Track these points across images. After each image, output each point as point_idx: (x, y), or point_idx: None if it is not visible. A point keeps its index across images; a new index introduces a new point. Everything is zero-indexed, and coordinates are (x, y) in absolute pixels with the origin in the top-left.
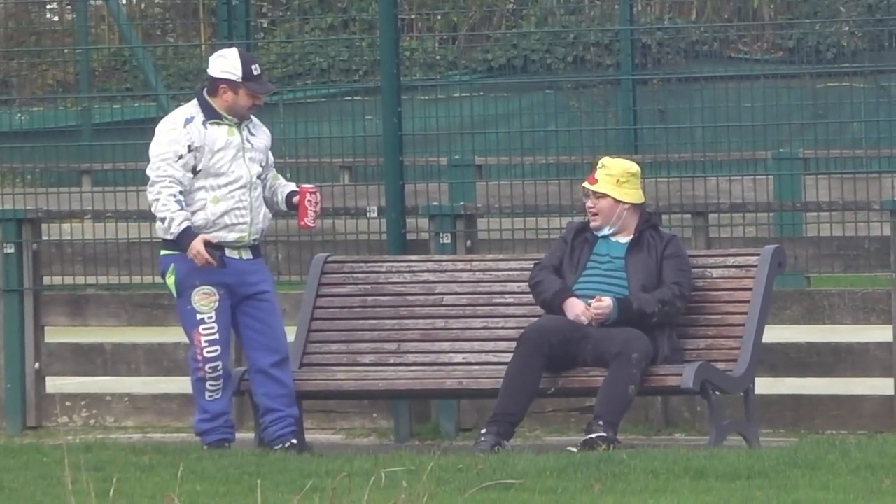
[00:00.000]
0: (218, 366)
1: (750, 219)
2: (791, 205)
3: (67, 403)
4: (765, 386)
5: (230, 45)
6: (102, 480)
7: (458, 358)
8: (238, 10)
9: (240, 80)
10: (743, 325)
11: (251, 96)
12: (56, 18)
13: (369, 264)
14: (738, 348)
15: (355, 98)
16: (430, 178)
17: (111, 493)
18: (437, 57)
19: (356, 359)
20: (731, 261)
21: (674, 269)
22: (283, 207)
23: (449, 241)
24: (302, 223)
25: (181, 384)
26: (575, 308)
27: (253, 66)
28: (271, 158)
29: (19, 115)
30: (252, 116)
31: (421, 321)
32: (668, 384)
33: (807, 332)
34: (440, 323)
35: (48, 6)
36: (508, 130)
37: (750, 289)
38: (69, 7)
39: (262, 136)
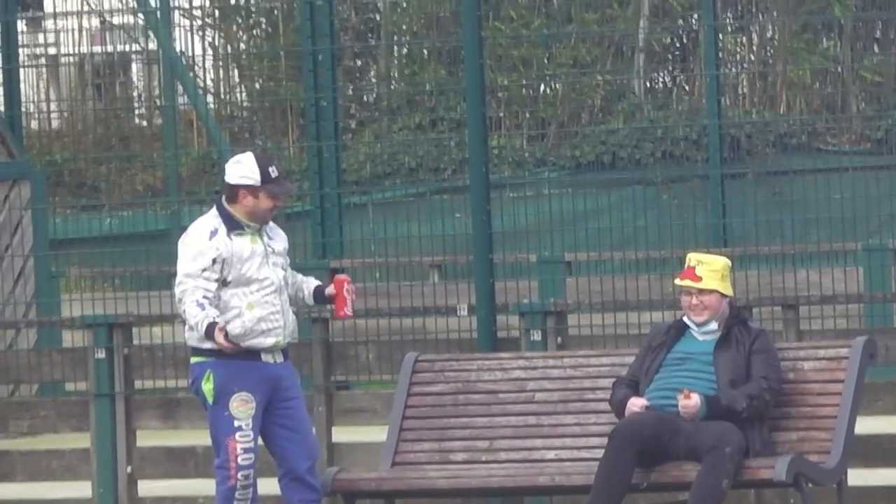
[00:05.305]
0: (250, 474)
1: (840, 310)
2: (881, 296)
3: None
4: (858, 477)
5: (318, 147)
6: None
7: (551, 454)
8: (326, 110)
9: (259, 184)
10: (835, 416)
11: (271, 198)
12: (144, 123)
13: (460, 362)
14: (830, 440)
15: (444, 196)
16: (520, 274)
17: None
18: (526, 154)
19: (448, 457)
20: (822, 353)
21: (762, 364)
22: (311, 302)
23: (539, 337)
24: (341, 313)
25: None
26: (633, 405)
27: (270, 168)
28: (288, 259)
29: (108, 219)
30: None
31: (513, 418)
32: (761, 476)
33: None
34: (532, 420)
35: (136, 111)
36: (598, 226)
37: (841, 380)
38: (157, 111)
39: (279, 239)
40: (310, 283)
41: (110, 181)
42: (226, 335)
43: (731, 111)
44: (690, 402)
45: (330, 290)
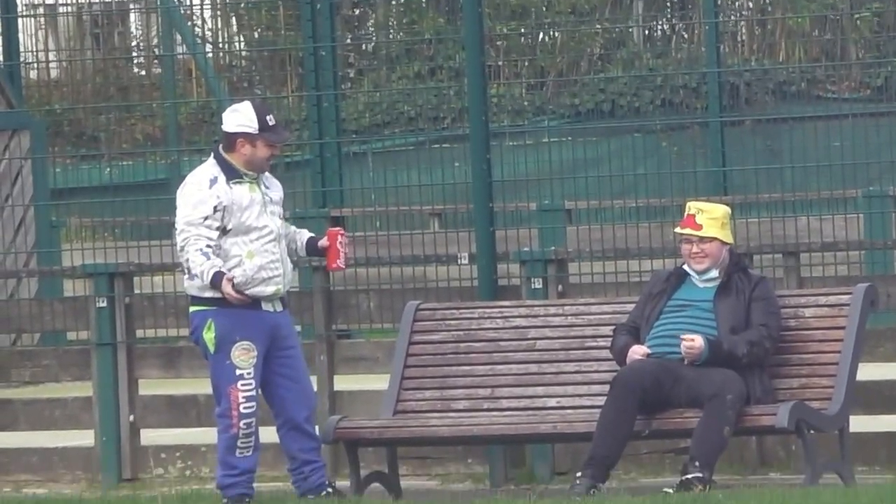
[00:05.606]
0: (252, 422)
1: (841, 258)
2: (882, 243)
3: (162, 455)
4: (859, 424)
5: (318, 96)
6: None
7: (552, 402)
8: (325, 60)
9: (256, 132)
10: (836, 363)
11: (269, 146)
12: (143, 73)
13: (461, 311)
14: (831, 387)
15: (444, 145)
16: (520, 223)
17: None
18: (525, 103)
19: (450, 405)
20: (823, 300)
21: (762, 312)
22: (303, 254)
23: (540, 286)
24: (333, 265)
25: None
26: (634, 353)
27: (268, 117)
28: (283, 209)
29: (108, 169)
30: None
31: (514, 366)
32: (763, 423)
33: None
34: (533, 367)
35: (135, 61)
36: (597, 175)
37: (843, 327)
38: (156, 61)
39: (276, 188)
40: (303, 235)
41: (110, 131)
42: (233, 285)
43: (731, 59)
44: (695, 343)
45: (323, 242)
